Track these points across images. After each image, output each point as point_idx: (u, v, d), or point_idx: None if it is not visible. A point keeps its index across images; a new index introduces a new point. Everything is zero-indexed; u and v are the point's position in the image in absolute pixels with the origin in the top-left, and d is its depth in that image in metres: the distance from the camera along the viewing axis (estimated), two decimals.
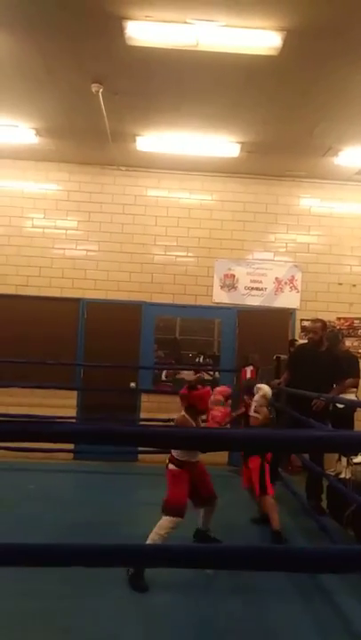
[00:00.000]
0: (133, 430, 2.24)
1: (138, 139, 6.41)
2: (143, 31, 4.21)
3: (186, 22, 4.13)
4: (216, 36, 4.25)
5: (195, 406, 4.01)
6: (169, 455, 3.94)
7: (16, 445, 5.21)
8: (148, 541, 3.50)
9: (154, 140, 6.43)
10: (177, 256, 7.59)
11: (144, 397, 7.37)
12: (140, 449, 6.39)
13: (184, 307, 7.44)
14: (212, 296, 7.55)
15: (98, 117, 5.78)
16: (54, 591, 3.29)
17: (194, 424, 3.98)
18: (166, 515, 3.66)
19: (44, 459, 5.89)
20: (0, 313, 7.27)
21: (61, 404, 6.92)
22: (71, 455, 6.79)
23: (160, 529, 3.61)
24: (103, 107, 5.48)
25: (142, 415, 7.24)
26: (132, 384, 7.32)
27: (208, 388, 4.35)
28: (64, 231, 7.52)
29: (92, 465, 6.64)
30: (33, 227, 7.48)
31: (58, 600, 3.27)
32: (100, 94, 5.25)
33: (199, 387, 4.15)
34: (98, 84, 5.13)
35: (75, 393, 7.28)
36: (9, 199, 7.45)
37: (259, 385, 4.91)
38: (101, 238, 7.51)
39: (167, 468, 3.88)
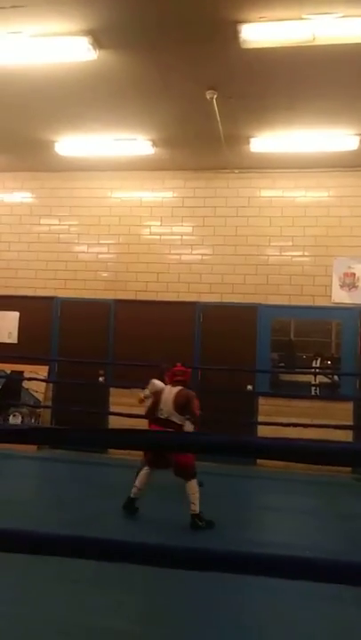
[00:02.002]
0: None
1: (251, 140, 6.37)
2: (258, 32, 4.17)
3: (302, 18, 4.02)
4: (333, 28, 4.10)
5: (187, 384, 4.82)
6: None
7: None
8: (195, 508, 4.42)
9: (268, 141, 6.35)
10: (293, 256, 7.41)
11: (261, 400, 7.30)
12: None
13: (301, 308, 7.25)
14: (330, 296, 7.27)
15: (212, 123, 5.83)
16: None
17: None
18: (193, 478, 4.50)
19: None
20: (121, 317, 7.63)
21: None
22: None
23: (195, 492, 4.45)
24: (217, 112, 5.52)
25: (260, 418, 7.17)
26: (249, 387, 7.28)
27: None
28: (180, 237, 7.69)
29: (211, 467, 6.69)
30: (150, 234, 7.75)
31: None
32: (215, 100, 5.30)
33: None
34: (212, 90, 5.18)
35: None
36: (128, 209, 7.79)
37: None
38: (216, 242, 7.57)
39: None
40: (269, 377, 7.38)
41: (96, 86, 5.25)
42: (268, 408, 7.20)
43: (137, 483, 4.74)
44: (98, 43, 4.46)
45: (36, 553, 2.17)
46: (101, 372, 7.62)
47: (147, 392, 5.58)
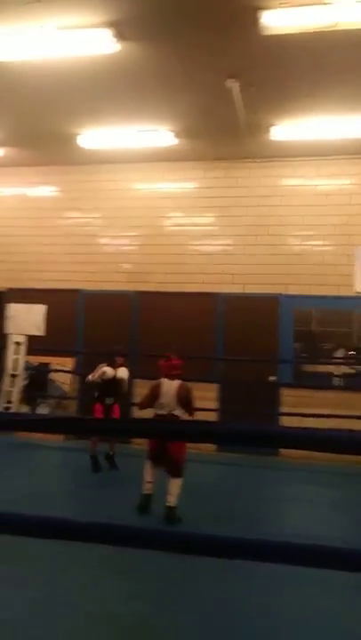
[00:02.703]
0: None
1: (272, 129, 6.34)
2: (278, 19, 4.15)
3: (324, 3, 3.98)
4: (356, 12, 4.05)
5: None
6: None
7: None
8: (174, 501, 4.36)
9: (289, 128, 6.32)
10: (314, 245, 7.37)
11: (284, 391, 7.28)
12: None
13: (323, 297, 7.20)
14: (353, 286, 7.19)
15: (232, 112, 5.83)
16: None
17: None
18: (180, 476, 4.45)
19: (189, 448, 6.11)
20: (143, 310, 7.69)
21: (202, 397, 7.07)
22: (214, 447, 6.95)
23: (179, 489, 4.40)
24: (238, 101, 5.51)
25: (283, 409, 7.16)
26: (272, 377, 7.28)
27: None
28: (201, 228, 7.71)
29: (234, 457, 6.74)
30: (172, 225, 7.79)
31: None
32: (235, 89, 5.29)
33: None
34: (233, 79, 5.18)
35: (215, 386, 7.43)
36: (150, 200, 7.84)
37: None
38: (237, 232, 7.56)
39: None
40: (292, 368, 7.36)
41: (118, 78, 5.30)
42: (291, 399, 7.19)
43: (144, 477, 4.65)
44: (120, 34, 4.50)
45: (59, 538, 2.20)
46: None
47: (95, 377, 5.98)
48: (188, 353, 7.02)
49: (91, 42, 4.56)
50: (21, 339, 7.54)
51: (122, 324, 7.71)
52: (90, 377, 6.07)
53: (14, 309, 8.15)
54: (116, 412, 6.10)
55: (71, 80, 5.35)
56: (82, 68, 5.09)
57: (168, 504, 4.42)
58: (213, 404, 7.25)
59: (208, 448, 6.78)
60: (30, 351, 7.54)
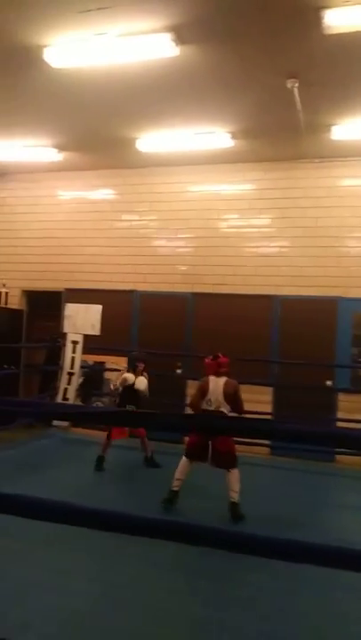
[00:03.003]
0: None
1: (333, 128, 6.20)
2: (342, 17, 4.06)
3: None
4: None
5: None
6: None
7: None
8: (237, 497, 4.43)
9: (350, 128, 6.15)
10: None
11: (341, 397, 7.10)
12: (337, 450, 6.21)
13: None
14: None
15: (292, 112, 5.74)
16: None
17: None
18: (235, 467, 4.51)
19: (242, 451, 6.08)
20: (198, 311, 7.72)
21: (256, 400, 7.04)
22: (268, 450, 6.89)
23: (237, 480, 4.47)
24: (298, 100, 5.43)
25: (339, 415, 6.99)
26: (329, 382, 7.12)
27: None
28: (257, 229, 7.64)
29: (288, 462, 6.64)
30: (228, 227, 7.76)
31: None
32: (295, 88, 5.21)
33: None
34: (293, 79, 5.11)
35: (270, 389, 7.34)
36: (207, 202, 7.85)
37: None
38: (294, 234, 7.45)
39: None
40: (350, 373, 7.17)
41: (177, 82, 5.34)
42: (348, 405, 7.00)
43: (177, 474, 4.65)
44: (180, 38, 4.54)
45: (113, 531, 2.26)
46: (179, 363, 7.75)
47: (117, 384, 5.97)
48: (243, 355, 7.03)
49: (150, 47, 4.62)
50: (78, 338, 7.75)
51: (177, 326, 7.77)
52: (112, 386, 6.06)
53: (72, 309, 8.41)
54: None
55: (131, 85, 5.44)
56: (141, 73, 5.17)
57: (231, 500, 4.46)
58: (268, 408, 7.19)
59: (262, 451, 6.74)
60: (86, 350, 7.75)
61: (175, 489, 4.63)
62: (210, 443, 4.55)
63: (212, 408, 4.65)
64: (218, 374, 4.77)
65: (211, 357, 4.89)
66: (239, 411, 4.77)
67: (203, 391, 4.74)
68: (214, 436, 4.45)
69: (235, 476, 4.53)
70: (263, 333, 7.41)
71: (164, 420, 2.12)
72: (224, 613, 3.09)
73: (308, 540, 1.98)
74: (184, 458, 4.70)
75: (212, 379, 4.76)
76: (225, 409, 4.66)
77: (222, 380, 4.74)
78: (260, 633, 2.92)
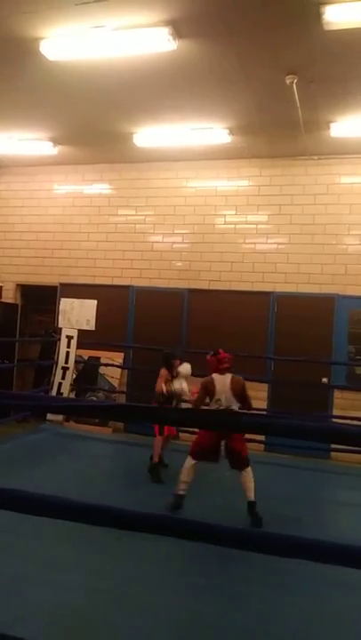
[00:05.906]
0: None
1: (332, 125, 6.17)
2: (343, 13, 4.02)
3: None
4: None
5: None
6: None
7: None
8: (254, 496, 4.37)
9: (350, 125, 6.12)
10: None
11: (337, 394, 7.12)
12: (332, 446, 6.22)
13: None
14: None
15: (290, 109, 5.71)
16: None
17: None
18: (249, 465, 4.44)
19: None
20: (194, 307, 7.70)
21: (252, 396, 6.96)
22: (262, 446, 6.90)
23: (252, 479, 4.40)
24: (297, 97, 5.40)
25: (335, 412, 7.00)
26: (324, 379, 7.12)
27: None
28: (255, 226, 7.62)
29: (282, 458, 6.66)
30: (225, 223, 7.73)
31: None
32: (295, 85, 5.18)
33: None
34: (292, 75, 5.07)
35: (265, 386, 7.34)
36: (203, 198, 7.81)
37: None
38: (292, 231, 7.43)
39: None
40: (346, 370, 7.18)
41: (175, 76, 5.30)
42: (343, 402, 7.02)
43: (183, 477, 4.50)
44: (178, 32, 4.49)
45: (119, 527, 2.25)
46: None
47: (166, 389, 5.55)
48: (238, 351, 7.01)
49: (148, 41, 4.56)
50: (73, 332, 7.72)
51: (172, 321, 7.75)
52: (164, 389, 5.59)
53: (66, 304, 8.37)
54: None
55: (128, 79, 5.39)
56: (139, 67, 5.12)
57: (249, 499, 4.41)
58: (264, 404, 7.19)
59: (256, 447, 6.74)
60: (81, 345, 7.72)
61: (181, 492, 4.47)
62: (223, 442, 4.47)
63: (222, 408, 4.52)
64: (221, 372, 4.61)
65: (211, 354, 4.75)
66: (248, 408, 4.67)
67: (208, 391, 4.59)
68: (228, 436, 4.39)
69: (250, 475, 4.45)
70: (259, 330, 7.40)
71: (164, 414, 2.10)
72: (221, 609, 3.09)
73: (304, 536, 1.97)
74: (190, 459, 4.52)
75: (216, 377, 4.59)
76: (236, 407, 4.57)
77: (228, 377, 4.59)
78: (257, 629, 2.92)
